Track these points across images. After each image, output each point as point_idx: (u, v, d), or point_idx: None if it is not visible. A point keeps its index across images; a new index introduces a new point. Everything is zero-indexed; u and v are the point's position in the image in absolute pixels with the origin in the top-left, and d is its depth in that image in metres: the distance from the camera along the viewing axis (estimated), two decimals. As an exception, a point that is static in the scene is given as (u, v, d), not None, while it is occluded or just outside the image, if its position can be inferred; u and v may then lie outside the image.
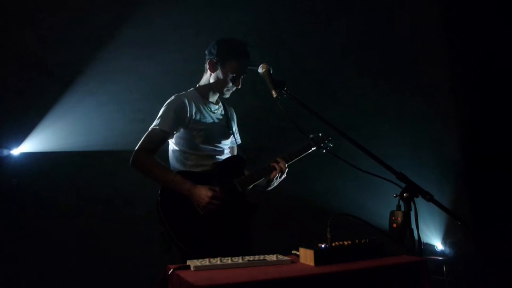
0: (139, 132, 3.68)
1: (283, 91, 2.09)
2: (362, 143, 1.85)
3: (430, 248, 4.20)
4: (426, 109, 4.52)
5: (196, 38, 3.89)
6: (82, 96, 3.60)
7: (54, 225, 3.46)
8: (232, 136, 2.57)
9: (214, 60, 2.44)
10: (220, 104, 2.60)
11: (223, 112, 2.58)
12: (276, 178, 2.45)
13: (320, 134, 2.64)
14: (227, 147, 2.55)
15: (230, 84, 2.45)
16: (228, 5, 4.01)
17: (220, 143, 2.48)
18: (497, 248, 3.89)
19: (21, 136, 3.47)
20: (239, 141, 2.68)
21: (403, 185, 1.66)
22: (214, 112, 2.51)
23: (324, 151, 2.52)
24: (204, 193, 2.22)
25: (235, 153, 2.64)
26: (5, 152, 3.43)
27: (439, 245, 4.21)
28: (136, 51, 3.75)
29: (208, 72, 2.49)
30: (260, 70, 2.25)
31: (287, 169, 2.48)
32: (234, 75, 2.43)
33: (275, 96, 2.07)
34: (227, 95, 2.53)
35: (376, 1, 4.51)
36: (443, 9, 4.62)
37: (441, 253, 4.13)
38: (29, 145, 3.47)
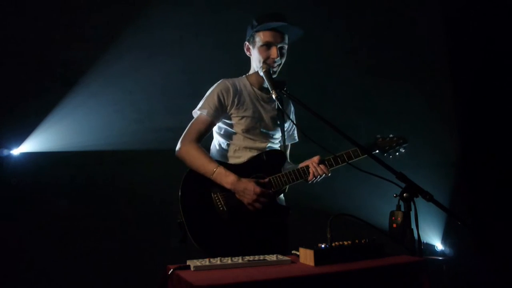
0: (139, 132, 3.69)
1: (283, 91, 2.10)
2: (362, 143, 1.85)
3: (430, 248, 4.20)
4: (426, 109, 4.52)
5: (196, 39, 3.89)
6: (83, 97, 3.60)
7: (54, 225, 3.46)
8: (281, 132, 2.39)
9: (247, 42, 2.35)
10: (276, 96, 2.30)
11: (277, 105, 2.32)
12: (313, 182, 2.27)
13: (391, 136, 2.35)
14: (275, 142, 2.39)
15: (264, 58, 2.26)
16: (227, 5, 4.01)
17: (264, 136, 2.33)
18: (497, 248, 3.89)
19: (21, 136, 3.46)
20: (295, 139, 2.52)
21: (403, 185, 1.67)
22: (264, 102, 2.35)
23: (391, 156, 2.31)
24: (251, 188, 2.08)
25: (288, 153, 2.50)
26: (5, 152, 3.43)
27: (439, 245, 4.21)
28: (136, 52, 3.74)
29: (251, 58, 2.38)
30: (260, 70, 2.26)
31: (329, 173, 2.24)
32: (264, 45, 2.26)
33: (275, 96, 2.08)
34: (273, 74, 2.28)
35: (376, 1, 4.51)
36: (443, 8, 4.63)
37: (441, 253, 4.14)
38: (29, 145, 3.47)
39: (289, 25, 2.27)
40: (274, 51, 2.26)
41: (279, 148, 2.42)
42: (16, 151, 3.46)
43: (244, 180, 2.12)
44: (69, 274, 3.39)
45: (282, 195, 2.34)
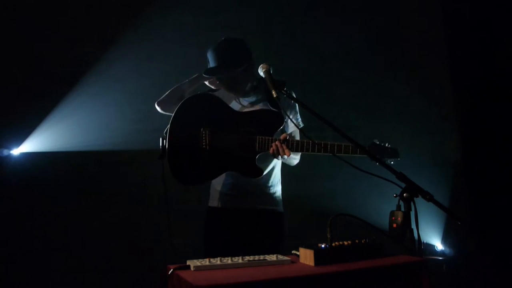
0: (139, 132, 3.69)
1: (283, 91, 2.10)
2: (362, 143, 1.85)
3: (430, 248, 4.20)
4: (426, 109, 4.51)
5: (196, 39, 3.89)
6: (83, 97, 3.60)
7: (54, 225, 3.46)
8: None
9: None
10: (259, 93, 2.39)
11: (264, 100, 2.36)
12: (277, 158, 2.20)
13: (387, 145, 2.27)
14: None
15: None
16: (228, 5, 4.01)
17: None
18: (497, 248, 3.89)
19: (21, 136, 3.47)
20: (300, 125, 2.40)
21: (403, 185, 1.67)
22: (246, 105, 2.38)
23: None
24: None
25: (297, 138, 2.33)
26: (5, 152, 3.43)
27: (439, 245, 4.21)
28: (136, 52, 3.75)
29: None
30: (260, 70, 2.26)
31: (290, 153, 2.14)
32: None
33: (275, 96, 2.08)
34: (243, 100, 2.40)
35: (376, 1, 4.51)
36: (443, 8, 4.63)
37: (441, 253, 4.13)
38: (29, 145, 3.47)
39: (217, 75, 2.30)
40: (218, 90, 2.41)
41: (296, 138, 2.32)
42: (16, 151, 3.46)
43: None
44: (69, 274, 3.39)
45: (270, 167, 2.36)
